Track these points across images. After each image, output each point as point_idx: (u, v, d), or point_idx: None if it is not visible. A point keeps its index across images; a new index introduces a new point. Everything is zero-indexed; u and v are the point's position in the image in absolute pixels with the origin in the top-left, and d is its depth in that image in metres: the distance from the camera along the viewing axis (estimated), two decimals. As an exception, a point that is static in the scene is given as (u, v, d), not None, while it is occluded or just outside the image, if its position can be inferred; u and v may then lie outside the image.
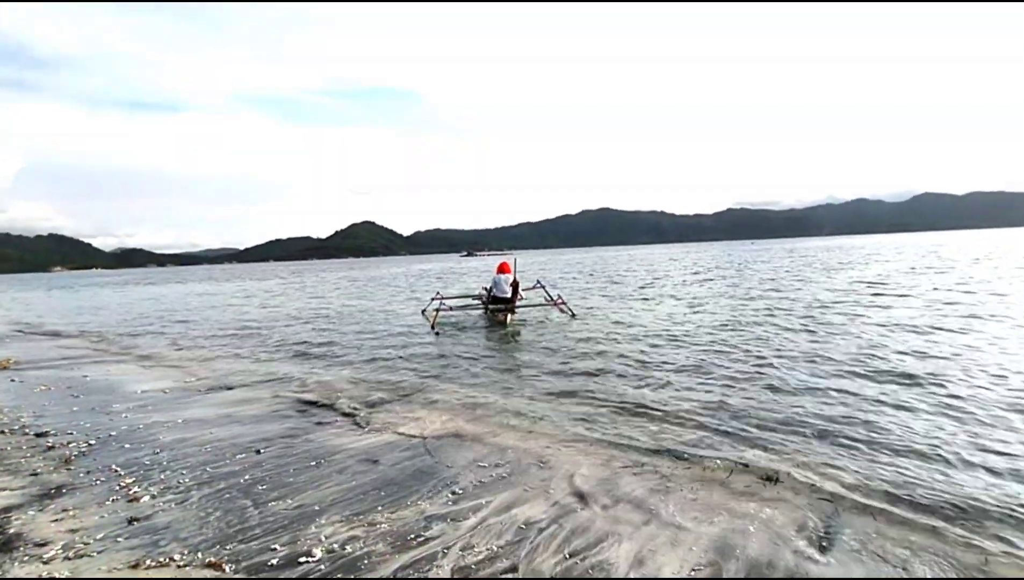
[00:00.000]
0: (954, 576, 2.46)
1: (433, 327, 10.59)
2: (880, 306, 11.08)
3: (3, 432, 4.91)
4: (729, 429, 4.44)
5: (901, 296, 12.59)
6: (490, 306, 11.56)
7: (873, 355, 6.71)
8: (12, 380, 7.52)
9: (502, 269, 11.52)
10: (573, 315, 11.38)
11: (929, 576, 2.46)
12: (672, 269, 29.88)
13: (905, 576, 2.47)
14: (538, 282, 13.41)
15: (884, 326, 8.69)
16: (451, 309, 12.36)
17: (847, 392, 5.31)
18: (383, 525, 2.98)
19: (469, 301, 13.19)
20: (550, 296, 12.35)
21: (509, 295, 11.16)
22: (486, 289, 12.18)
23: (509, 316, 10.84)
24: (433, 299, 13.03)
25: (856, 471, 3.57)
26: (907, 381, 5.57)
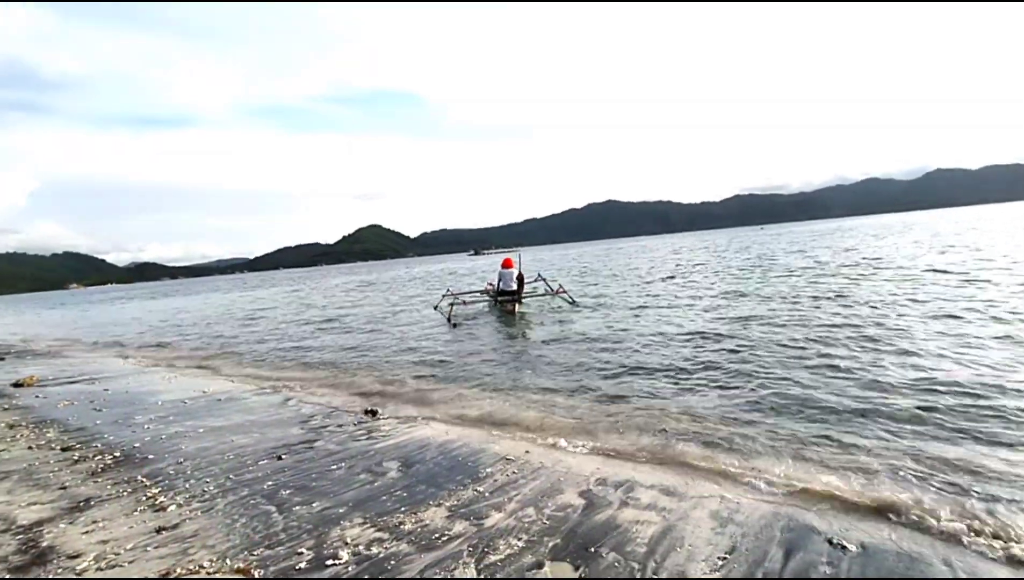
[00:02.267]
0: (954, 576, 2.37)
1: (449, 320, 11.30)
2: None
3: (31, 448, 5.01)
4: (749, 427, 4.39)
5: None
6: (499, 298, 12.50)
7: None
8: (36, 396, 7.68)
9: (506, 264, 12.57)
10: (573, 302, 12.21)
11: (932, 577, 2.39)
12: (671, 262, 29.66)
13: (907, 576, 2.40)
14: (539, 275, 14.68)
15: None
16: (464, 303, 13.08)
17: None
18: (406, 525, 3.00)
19: (477, 296, 14.05)
20: (550, 287, 13.47)
21: (515, 288, 12.13)
22: (491, 284, 13.16)
23: (516, 306, 11.75)
24: (444, 295, 13.65)
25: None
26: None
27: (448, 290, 14.60)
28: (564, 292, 12.95)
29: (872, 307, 8.43)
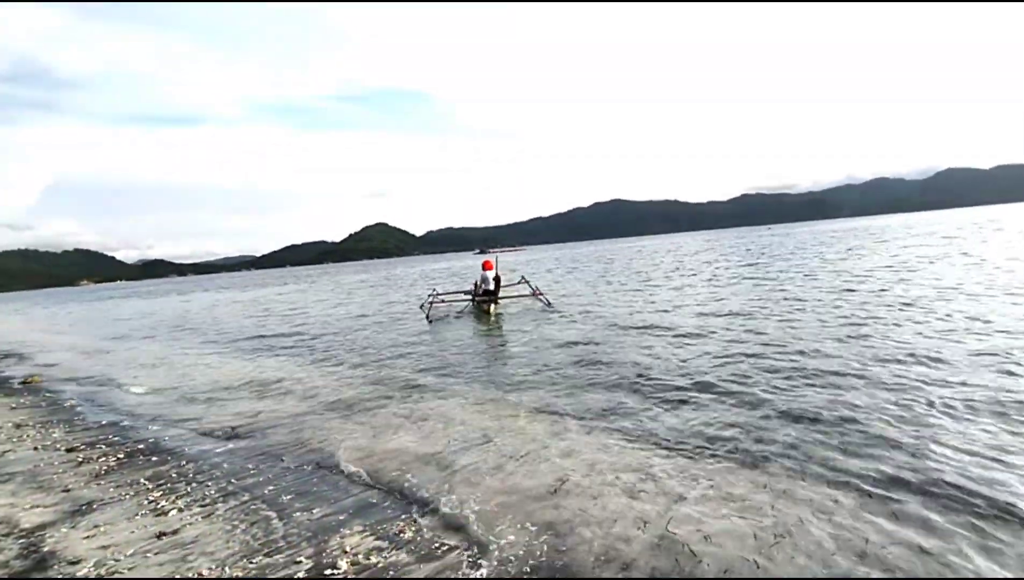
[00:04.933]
0: (954, 576, 2.36)
1: (428, 318, 12.28)
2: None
3: (36, 448, 5.04)
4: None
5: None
6: (476, 298, 13.38)
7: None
8: (43, 394, 7.75)
9: (486, 266, 13.32)
10: (549, 303, 12.92)
11: (935, 577, 2.37)
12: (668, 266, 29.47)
13: (911, 576, 2.38)
14: (523, 278, 15.35)
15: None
16: (443, 302, 14.18)
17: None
18: (406, 533, 2.98)
19: (462, 295, 14.73)
20: (532, 288, 14.25)
21: (493, 288, 12.89)
22: (476, 284, 13.82)
23: (492, 306, 12.52)
24: (430, 295, 14.50)
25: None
26: None
27: (434, 290, 15.50)
28: (540, 294, 13.72)
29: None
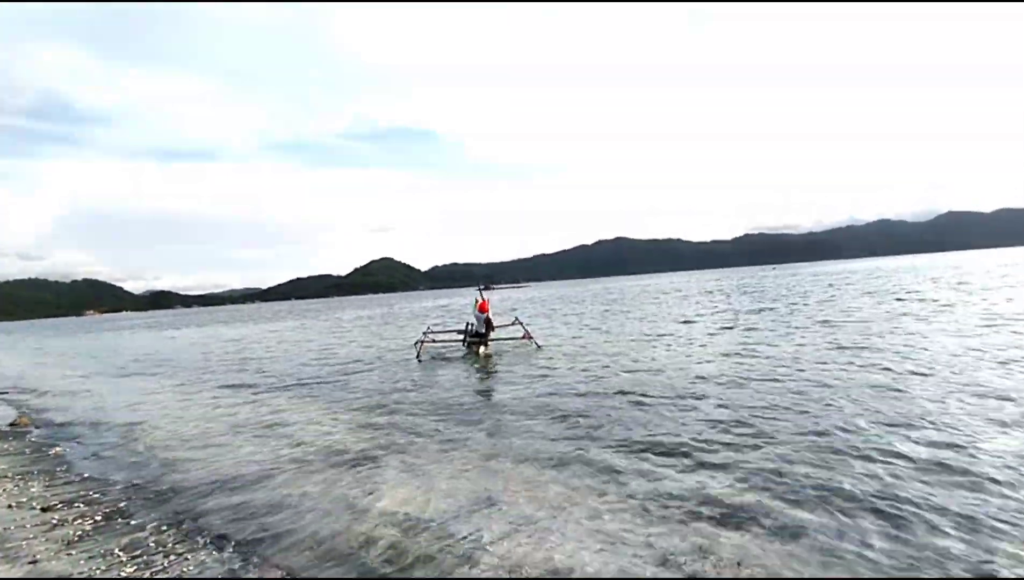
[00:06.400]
0: (955, 576, 2.42)
1: (419, 357, 12.62)
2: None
3: (11, 506, 4.76)
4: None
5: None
6: (468, 339, 13.77)
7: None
8: (29, 440, 7.47)
9: (481, 309, 13.62)
10: (538, 346, 13.12)
11: (931, 576, 2.44)
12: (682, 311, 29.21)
13: (909, 576, 2.39)
14: (516, 319, 15.44)
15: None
16: (435, 342, 14.15)
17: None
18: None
19: (455, 334, 14.83)
20: (525, 330, 14.16)
21: (484, 330, 13.37)
22: (468, 325, 14.17)
23: (483, 348, 13.05)
24: (425, 333, 14.38)
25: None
26: None
27: (428, 328, 15.61)
28: (531, 338, 13.67)
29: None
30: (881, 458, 4.58)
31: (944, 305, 16.35)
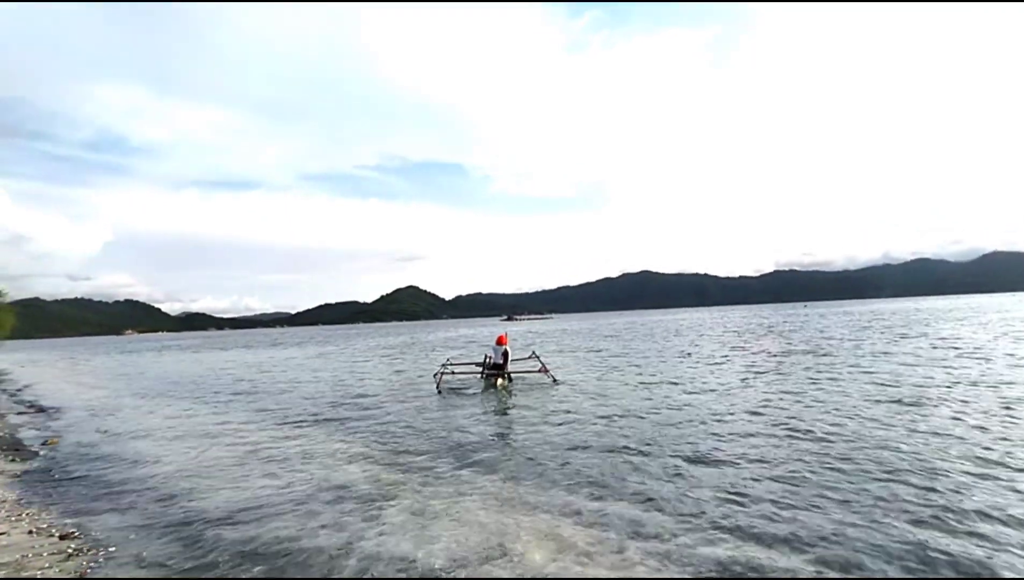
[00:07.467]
0: (955, 576, 2.36)
1: (439, 389, 12.88)
2: None
3: (31, 532, 4.84)
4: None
5: None
6: (486, 371, 13.94)
7: None
8: (55, 460, 7.66)
9: (500, 341, 14.09)
10: (555, 381, 13.27)
11: (930, 576, 2.35)
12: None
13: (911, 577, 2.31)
14: (533, 353, 15.73)
15: None
16: (453, 374, 14.40)
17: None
18: None
19: (473, 366, 15.24)
20: (542, 364, 14.33)
21: (501, 362, 13.62)
22: (487, 357, 14.39)
23: (500, 380, 13.17)
24: (444, 365, 14.89)
25: None
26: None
27: (448, 360, 16.20)
28: (547, 372, 13.76)
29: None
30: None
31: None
